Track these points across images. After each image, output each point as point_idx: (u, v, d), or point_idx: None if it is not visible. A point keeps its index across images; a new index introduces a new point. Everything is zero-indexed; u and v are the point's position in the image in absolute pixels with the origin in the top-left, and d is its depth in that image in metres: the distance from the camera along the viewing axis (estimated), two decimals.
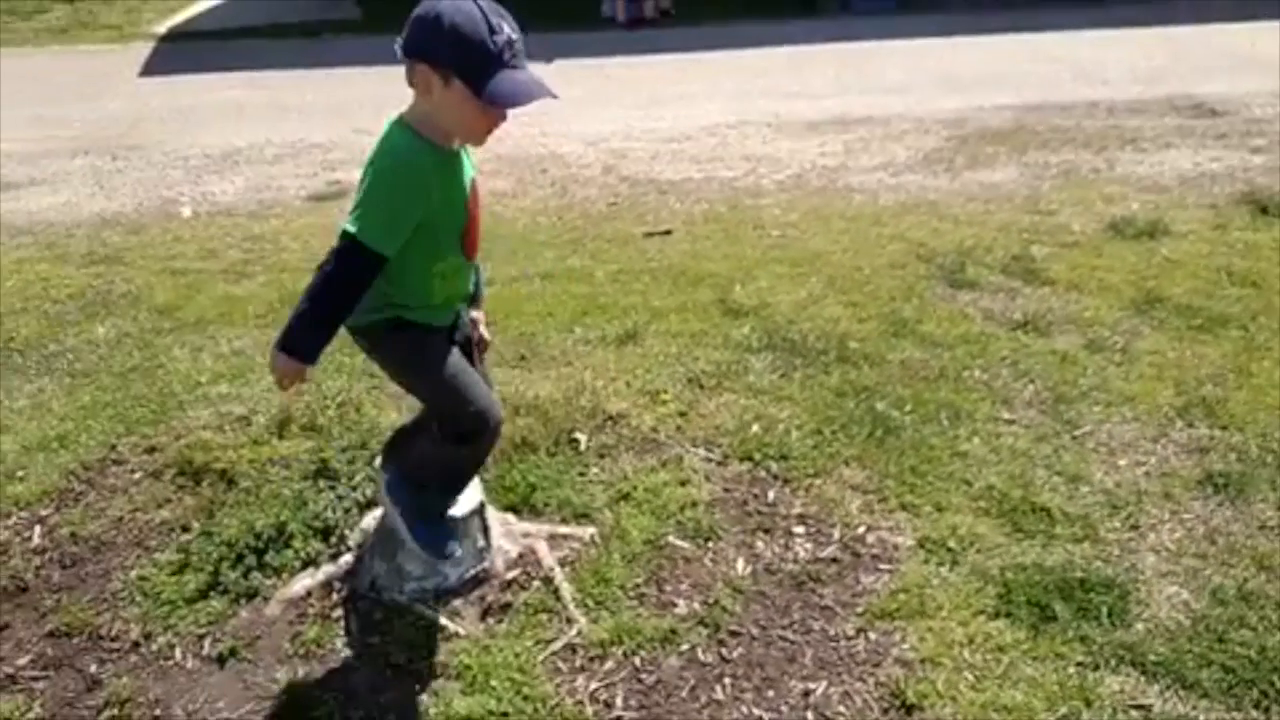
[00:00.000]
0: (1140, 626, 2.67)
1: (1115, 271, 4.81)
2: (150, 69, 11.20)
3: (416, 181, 2.17)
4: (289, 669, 2.53)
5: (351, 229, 2.12)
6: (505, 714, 2.38)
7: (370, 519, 2.81)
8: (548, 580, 2.70)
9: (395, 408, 3.59)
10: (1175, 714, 2.42)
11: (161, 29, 13.87)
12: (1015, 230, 5.38)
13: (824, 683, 2.52)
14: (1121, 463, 3.36)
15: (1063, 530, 3.02)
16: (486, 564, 2.70)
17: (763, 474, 3.32)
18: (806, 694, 2.49)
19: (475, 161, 2.43)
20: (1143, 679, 2.51)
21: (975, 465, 3.33)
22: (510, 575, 2.74)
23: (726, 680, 2.53)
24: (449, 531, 2.64)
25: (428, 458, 2.58)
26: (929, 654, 2.59)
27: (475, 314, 2.61)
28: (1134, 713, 2.42)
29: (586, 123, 8.07)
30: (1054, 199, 5.96)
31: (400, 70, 2.22)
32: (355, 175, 6.93)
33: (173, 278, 5.21)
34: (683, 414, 3.65)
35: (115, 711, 2.43)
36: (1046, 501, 3.13)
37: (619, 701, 2.44)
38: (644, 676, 2.51)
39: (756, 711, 2.45)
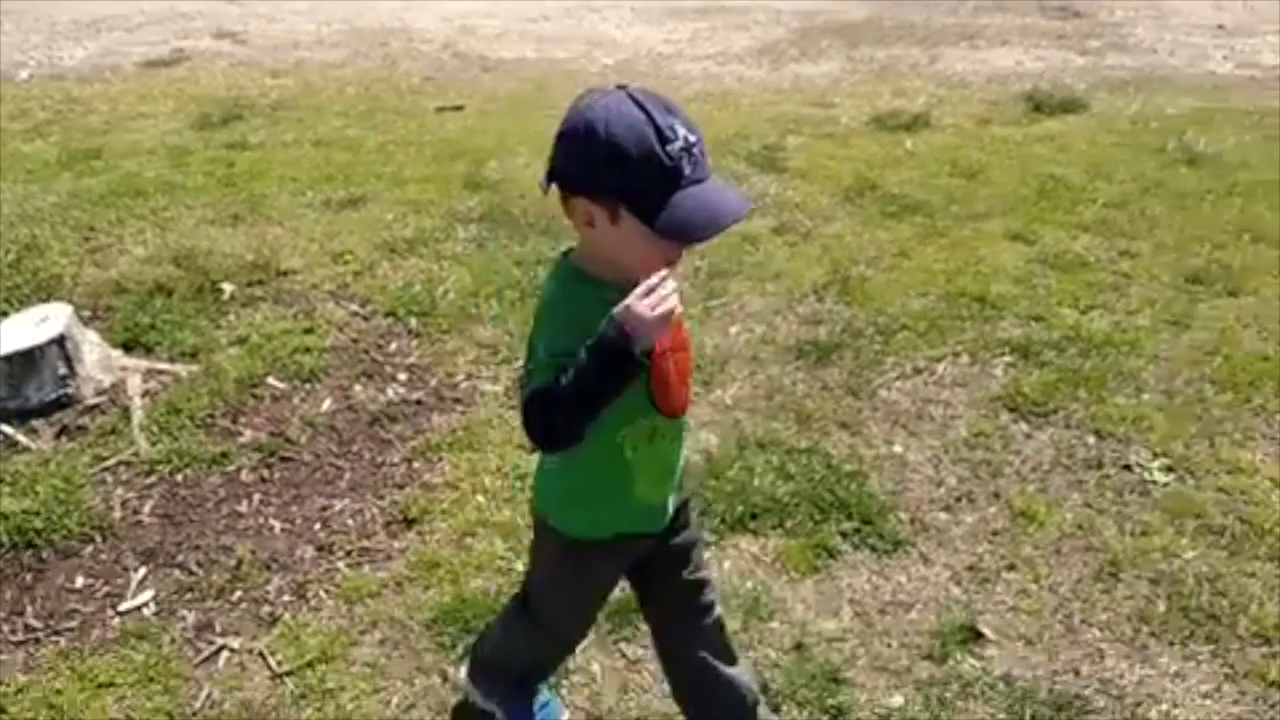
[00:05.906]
0: None
1: (850, 161, 5.00)
2: None
3: (578, 318, 1.62)
4: None
5: (526, 393, 1.67)
6: (37, 512, 2.72)
7: None
8: (126, 409, 3.02)
9: (93, 260, 3.91)
10: None
11: None
12: (784, 121, 5.55)
13: (346, 500, 2.85)
14: (733, 330, 3.64)
15: None
16: (70, 390, 3.02)
17: (399, 328, 3.61)
18: (324, 509, 2.83)
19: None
20: None
21: None
22: (94, 402, 3.06)
23: (256, 496, 2.86)
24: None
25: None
26: (453, 479, 2.91)
27: None
28: None
29: None
30: (848, 92, 6.10)
31: None
32: (204, 45, 7.27)
33: None
34: (357, 274, 3.93)
35: None
36: None
37: (146, 509, 2.79)
38: (180, 491, 2.85)
39: (272, 523, 2.79)
